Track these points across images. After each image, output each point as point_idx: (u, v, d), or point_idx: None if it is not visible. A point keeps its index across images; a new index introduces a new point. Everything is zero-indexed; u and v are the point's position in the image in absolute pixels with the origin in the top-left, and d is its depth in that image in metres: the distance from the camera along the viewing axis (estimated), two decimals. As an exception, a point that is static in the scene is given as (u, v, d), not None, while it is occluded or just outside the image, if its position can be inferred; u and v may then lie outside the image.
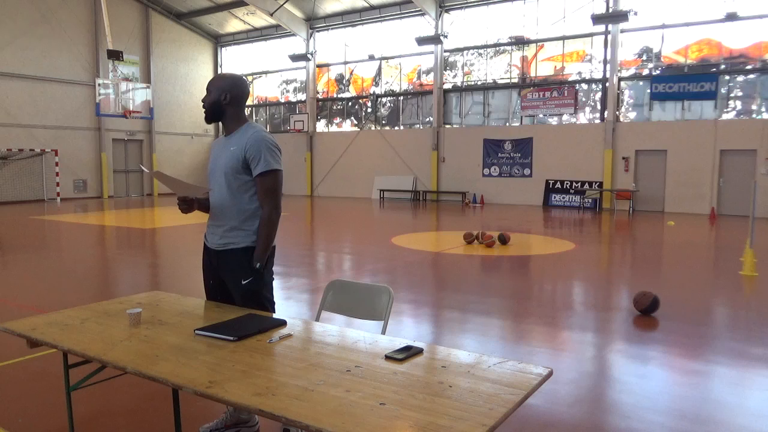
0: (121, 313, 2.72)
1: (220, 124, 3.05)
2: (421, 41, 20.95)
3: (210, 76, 27.95)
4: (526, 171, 20.18)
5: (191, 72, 27.06)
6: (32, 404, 3.50)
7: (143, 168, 3.08)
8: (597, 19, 17.53)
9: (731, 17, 16.54)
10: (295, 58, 24.27)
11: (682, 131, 17.33)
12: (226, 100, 2.93)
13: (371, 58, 23.74)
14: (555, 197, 19.64)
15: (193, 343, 2.30)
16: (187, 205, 2.96)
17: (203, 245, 3.12)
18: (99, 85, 18.79)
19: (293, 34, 24.79)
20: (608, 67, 18.48)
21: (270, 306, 3.00)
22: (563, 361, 4.37)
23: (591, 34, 18.89)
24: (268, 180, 2.89)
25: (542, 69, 20.13)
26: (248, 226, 2.93)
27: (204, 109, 2.98)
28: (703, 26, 17.14)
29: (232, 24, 26.47)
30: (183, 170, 26.16)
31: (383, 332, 2.76)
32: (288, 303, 6.15)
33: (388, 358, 2.10)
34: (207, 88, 3.00)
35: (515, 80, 20.59)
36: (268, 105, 27.33)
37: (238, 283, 2.92)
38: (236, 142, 2.93)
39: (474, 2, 20.77)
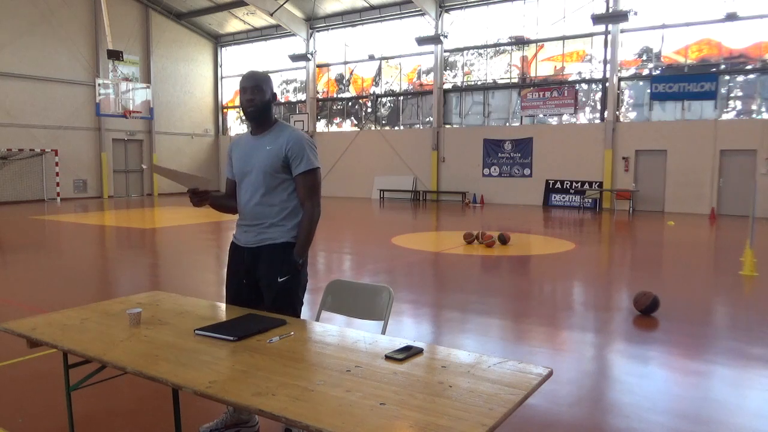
0: (121, 313, 2.72)
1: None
2: (421, 41, 20.95)
3: (210, 76, 27.97)
4: (526, 171, 20.18)
5: (191, 72, 27.07)
6: (32, 404, 3.50)
7: (143, 166, 3.07)
8: (597, 19, 17.52)
9: (731, 17, 16.54)
10: (295, 58, 24.27)
11: (682, 131, 17.33)
12: (273, 99, 2.95)
13: (371, 58, 23.73)
14: (555, 197, 19.64)
15: (193, 343, 2.29)
16: (198, 197, 2.90)
17: (231, 246, 3.08)
18: (99, 85, 18.79)
19: (293, 34, 24.79)
20: (608, 67, 18.48)
21: (299, 307, 2.97)
22: (563, 361, 4.37)
23: (591, 34, 18.89)
24: (311, 178, 2.90)
25: (542, 69, 20.13)
26: (286, 222, 2.92)
27: (251, 109, 2.88)
28: (703, 26, 17.14)
29: (232, 24, 26.47)
30: (183, 170, 26.06)
31: (383, 332, 2.76)
32: (288, 303, 6.14)
33: (388, 358, 2.10)
34: (258, 87, 2.87)
35: (515, 80, 20.58)
36: (268, 105, 27.31)
37: (274, 280, 2.88)
38: (272, 141, 2.89)
39: (474, 2, 20.77)
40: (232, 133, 28.25)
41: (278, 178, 2.89)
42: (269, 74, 3.01)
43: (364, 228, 13.80)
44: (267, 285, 2.92)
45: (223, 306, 2.92)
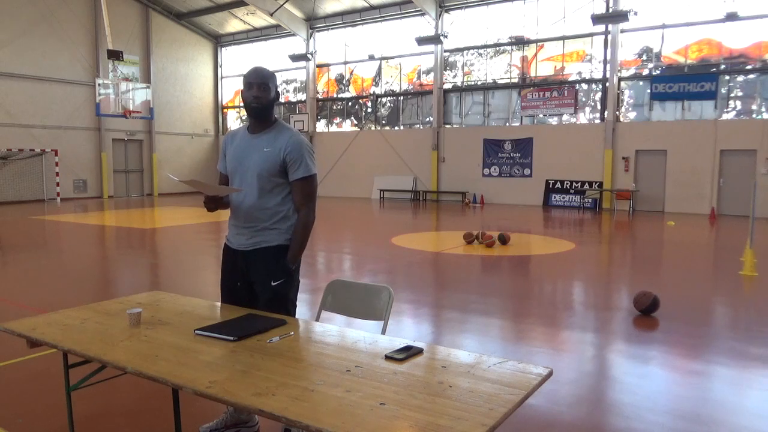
0: (121, 313, 2.72)
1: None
2: (421, 41, 20.95)
3: (210, 76, 27.97)
4: (526, 171, 20.18)
5: (191, 72, 27.07)
6: (32, 404, 3.50)
7: (172, 177, 3.02)
8: (597, 19, 17.52)
9: (731, 17, 16.53)
10: (295, 58, 24.27)
11: (682, 131, 17.33)
12: (277, 98, 2.89)
13: (371, 58, 23.73)
14: (555, 197, 19.64)
15: (193, 343, 2.29)
16: (215, 203, 2.89)
17: (224, 248, 3.06)
18: (99, 85, 18.78)
19: (293, 34, 24.79)
20: (608, 67, 18.48)
21: (293, 310, 2.95)
22: (563, 361, 4.37)
23: (591, 34, 18.89)
24: (308, 184, 2.86)
25: (542, 69, 20.13)
26: (280, 225, 2.88)
27: (256, 106, 2.81)
28: (703, 26, 17.13)
29: (232, 24, 26.47)
30: (183, 170, 26.16)
31: (383, 332, 2.76)
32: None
33: (388, 358, 2.10)
34: (265, 85, 2.81)
35: (515, 80, 20.58)
36: (268, 105, 27.30)
37: (267, 284, 2.86)
38: (270, 143, 2.84)
39: (474, 2, 20.77)
40: (232, 133, 28.23)
41: (273, 181, 2.84)
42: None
43: (364, 228, 13.80)
44: (261, 288, 2.90)
45: (222, 306, 2.92)
